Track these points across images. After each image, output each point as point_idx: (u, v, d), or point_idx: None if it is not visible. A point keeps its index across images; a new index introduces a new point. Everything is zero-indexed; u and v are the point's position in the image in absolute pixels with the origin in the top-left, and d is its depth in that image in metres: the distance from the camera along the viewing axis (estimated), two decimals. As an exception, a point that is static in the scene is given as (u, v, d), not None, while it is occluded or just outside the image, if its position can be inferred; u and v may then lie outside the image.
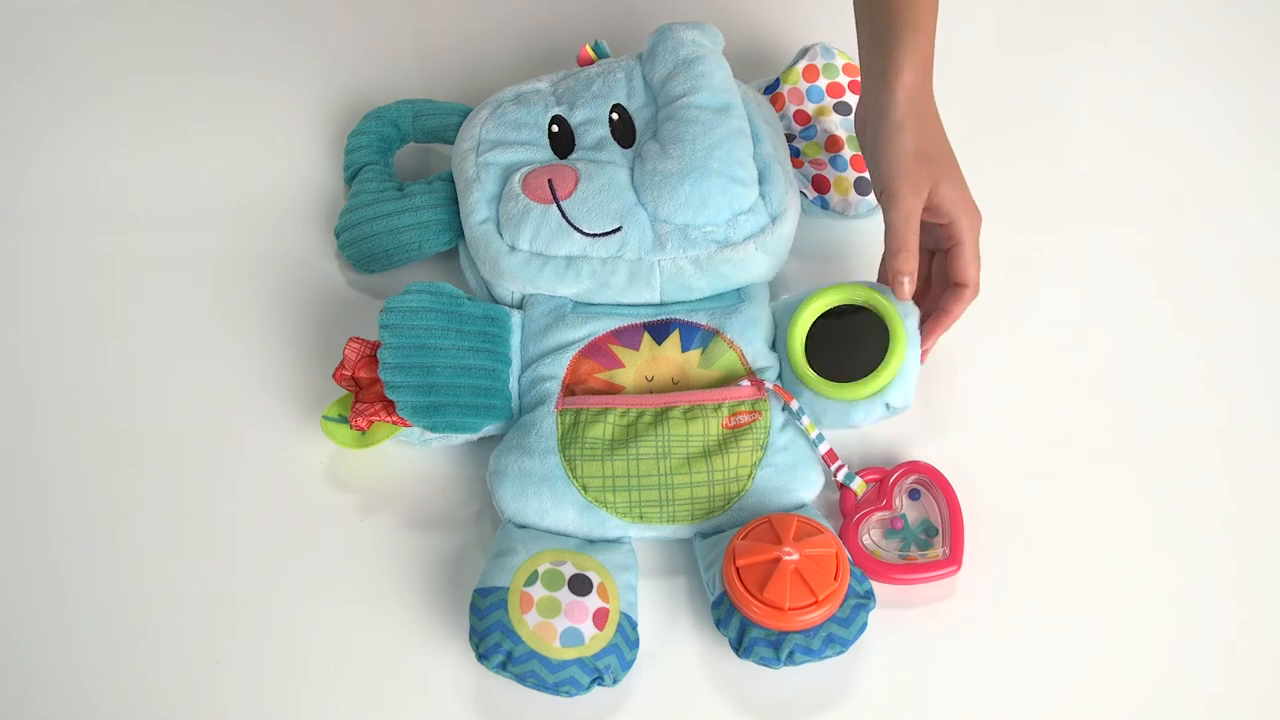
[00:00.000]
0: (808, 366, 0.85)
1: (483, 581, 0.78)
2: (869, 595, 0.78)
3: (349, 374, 0.84)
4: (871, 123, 0.85)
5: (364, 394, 0.84)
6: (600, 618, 0.77)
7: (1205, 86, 1.06)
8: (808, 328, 0.86)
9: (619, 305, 0.89)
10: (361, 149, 0.96)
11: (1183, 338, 0.93)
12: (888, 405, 0.83)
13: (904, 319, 0.83)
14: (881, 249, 0.84)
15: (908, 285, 0.84)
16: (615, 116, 0.92)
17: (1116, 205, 0.99)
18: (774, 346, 0.87)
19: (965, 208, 0.83)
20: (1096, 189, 1.00)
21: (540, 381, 0.85)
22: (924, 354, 0.85)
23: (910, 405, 0.84)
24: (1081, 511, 0.85)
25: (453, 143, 0.95)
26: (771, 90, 0.97)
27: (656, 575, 0.83)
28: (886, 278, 0.84)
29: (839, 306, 0.86)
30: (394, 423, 0.83)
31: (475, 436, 0.85)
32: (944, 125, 0.85)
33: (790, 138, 0.95)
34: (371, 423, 0.83)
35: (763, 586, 0.76)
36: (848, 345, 0.86)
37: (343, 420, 0.84)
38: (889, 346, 0.83)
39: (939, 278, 0.87)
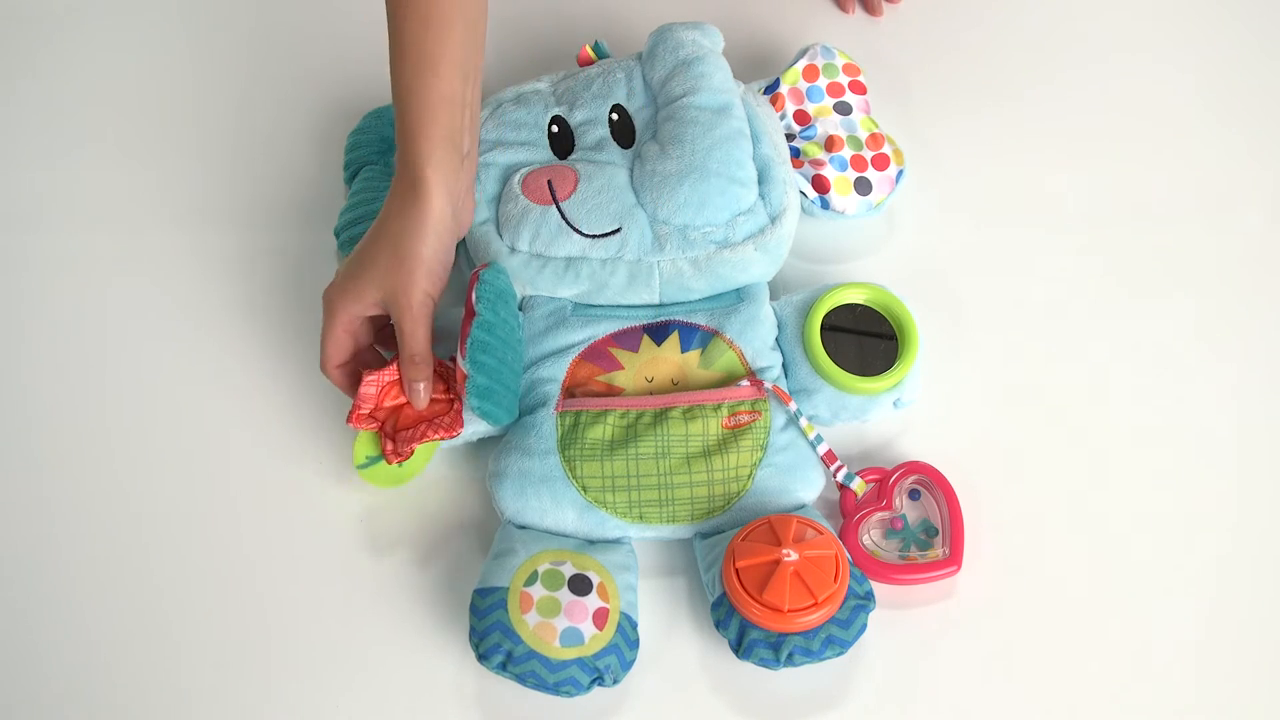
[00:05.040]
0: (831, 361, 0.85)
1: (482, 582, 0.78)
2: (869, 596, 0.78)
3: (367, 412, 0.81)
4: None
5: (399, 419, 0.81)
6: (600, 618, 0.77)
7: (1204, 85, 1.06)
8: (818, 326, 0.87)
9: (618, 307, 0.88)
10: (361, 149, 0.96)
11: (1184, 337, 0.92)
12: (898, 401, 0.86)
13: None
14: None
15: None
16: (615, 117, 0.92)
17: (1117, 204, 0.98)
18: (774, 346, 0.88)
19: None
20: (1097, 188, 0.99)
21: (540, 384, 0.85)
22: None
23: (916, 400, 0.87)
24: (1082, 511, 0.85)
25: (453, 143, 0.95)
26: (771, 90, 0.96)
27: (656, 575, 0.83)
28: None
29: (841, 305, 0.88)
30: (440, 438, 0.81)
31: (473, 438, 0.85)
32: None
33: (790, 138, 0.95)
34: (416, 447, 0.80)
35: (762, 588, 0.76)
36: (854, 343, 0.87)
37: (374, 461, 0.82)
38: (902, 342, 0.86)
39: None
